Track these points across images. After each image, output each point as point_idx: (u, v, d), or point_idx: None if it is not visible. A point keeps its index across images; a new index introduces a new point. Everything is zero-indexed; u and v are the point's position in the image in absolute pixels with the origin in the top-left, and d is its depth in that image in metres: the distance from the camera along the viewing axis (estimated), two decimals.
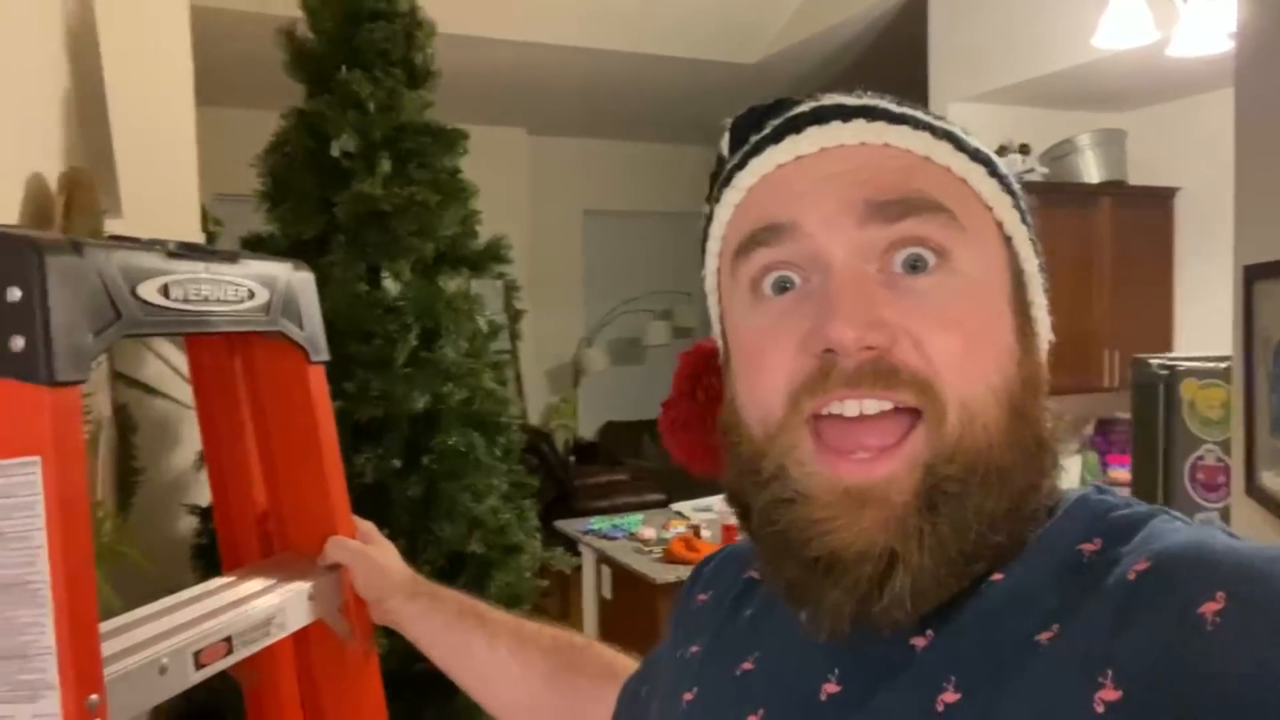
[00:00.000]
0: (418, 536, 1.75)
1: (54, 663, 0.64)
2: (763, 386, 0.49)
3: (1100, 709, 0.39)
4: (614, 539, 3.32)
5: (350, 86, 1.79)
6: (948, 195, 0.49)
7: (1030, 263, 0.53)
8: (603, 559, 3.29)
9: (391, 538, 1.79)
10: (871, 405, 0.46)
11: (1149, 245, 4.01)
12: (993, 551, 0.46)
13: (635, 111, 5.80)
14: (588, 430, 6.47)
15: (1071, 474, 3.90)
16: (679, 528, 3.33)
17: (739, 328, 0.52)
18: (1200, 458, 1.57)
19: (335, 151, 1.80)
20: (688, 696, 0.58)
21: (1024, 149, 3.87)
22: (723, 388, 0.58)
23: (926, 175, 0.49)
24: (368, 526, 0.99)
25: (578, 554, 3.40)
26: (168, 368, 2.07)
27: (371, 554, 0.94)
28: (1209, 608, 0.39)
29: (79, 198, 1.31)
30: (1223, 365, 1.49)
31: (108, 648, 0.72)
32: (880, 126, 0.50)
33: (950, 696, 0.44)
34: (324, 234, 1.78)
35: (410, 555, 1.79)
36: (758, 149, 0.52)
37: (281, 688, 0.98)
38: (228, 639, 0.79)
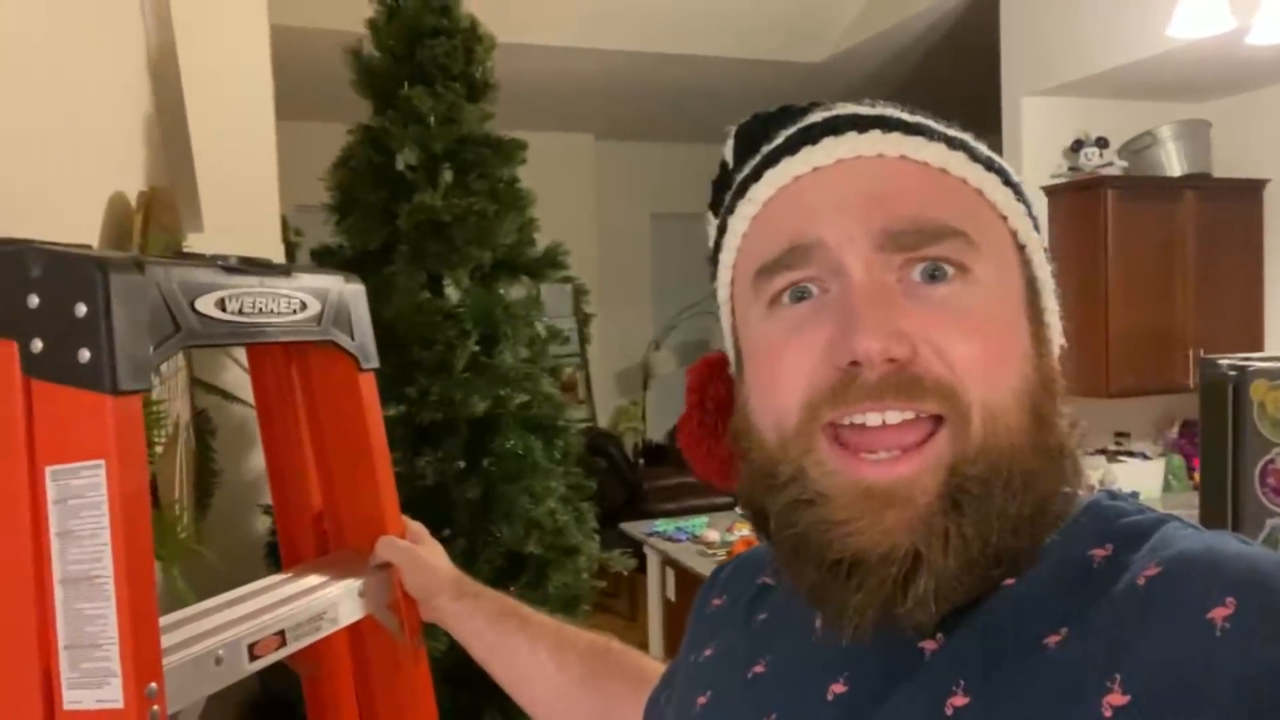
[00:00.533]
0: (477, 537, 1.80)
1: (117, 652, 0.69)
2: (780, 393, 0.49)
3: (1108, 713, 0.39)
4: (678, 541, 3.34)
5: (412, 102, 1.85)
6: (963, 212, 0.49)
7: (1043, 270, 0.53)
8: (667, 561, 3.31)
9: (452, 538, 1.86)
10: (894, 416, 0.46)
11: (1237, 240, 3.85)
12: (1012, 556, 0.46)
13: (701, 114, 5.81)
14: (656, 433, 6.50)
15: (1156, 478, 3.76)
16: (743, 530, 3.33)
17: (754, 335, 0.52)
18: (1271, 461, 1.51)
19: (400, 165, 1.87)
20: (701, 700, 0.59)
21: (1101, 142, 3.77)
22: (731, 397, 0.59)
23: (942, 192, 0.49)
24: (417, 527, 1.03)
25: (642, 556, 3.44)
26: (246, 374, 2.17)
27: (420, 554, 0.98)
28: (1219, 613, 0.39)
29: (157, 215, 1.39)
30: None
31: (167, 639, 0.77)
32: (896, 138, 0.50)
33: (959, 700, 0.44)
34: (387, 244, 1.84)
35: (470, 555, 1.85)
36: (772, 160, 0.52)
37: (338, 679, 1.03)
38: (280, 632, 0.84)
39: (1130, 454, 3.83)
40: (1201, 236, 3.78)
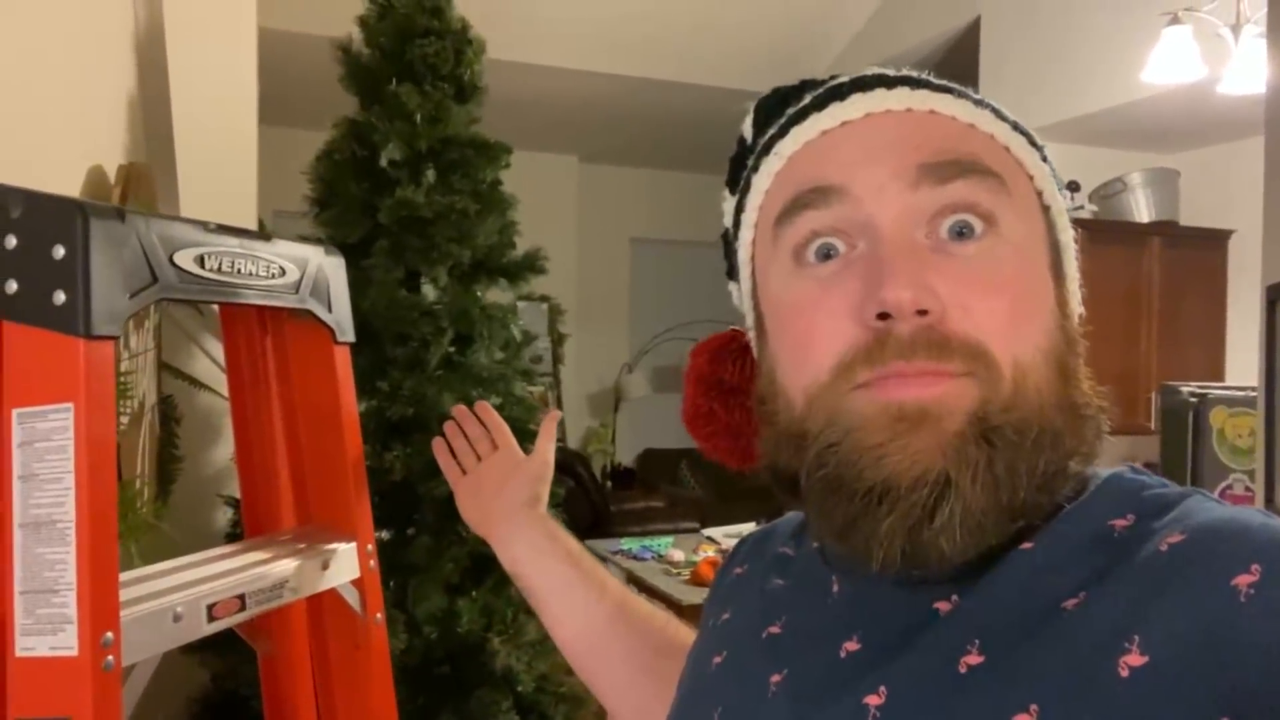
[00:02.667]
0: (443, 535, 1.78)
1: (74, 599, 0.68)
2: (811, 355, 0.48)
3: (1125, 673, 0.38)
4: (643, 560, 3.33)
5: (399, 99, 1.86)
6: (995, 161, 0.49)
7: (1065, 233, 0.53)
8: (631, 579, 3.29)
9: (417, 535, 1.84)
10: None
11: (1201, 287, 3.94)
12: (1034, 511, 0.46)
13: (687, 141, 5.87)
14: (626, 456, 6.49)
15: None
16: (708, 551, 3.32)
17: (781, 296, 0.51)
18: (1229, 486, 1.54)
19: (384, 161, 1.87)
20: (717, 659, 0.58)
21: (1073, 186, 3.85)
22: (740, 373, 0.59)
23: (974, 141, 0.49)
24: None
25: None
26: (215, 365, 2.15)
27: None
28: (1243, 579, 0.38)
29: (135, 189, 1.38)
30: (1253, 394, 1.47)
31: (127, 593, 0.76)
32: (925, 94, 0.50)
33: (973, 659, 0.43)
34: (367, 238, 1.84)
35: (435, 554, 1.83)
36: (799, 118, 0.52)
37: (295, 657, 1.02)
38: (241, 596, 0.83)
39: None
40: (1167, 282, 3.87)
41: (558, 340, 5.92)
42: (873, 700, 0.45)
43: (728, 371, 0.62)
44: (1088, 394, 0.49)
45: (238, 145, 2.65)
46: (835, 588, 0.53)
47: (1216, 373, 3.91)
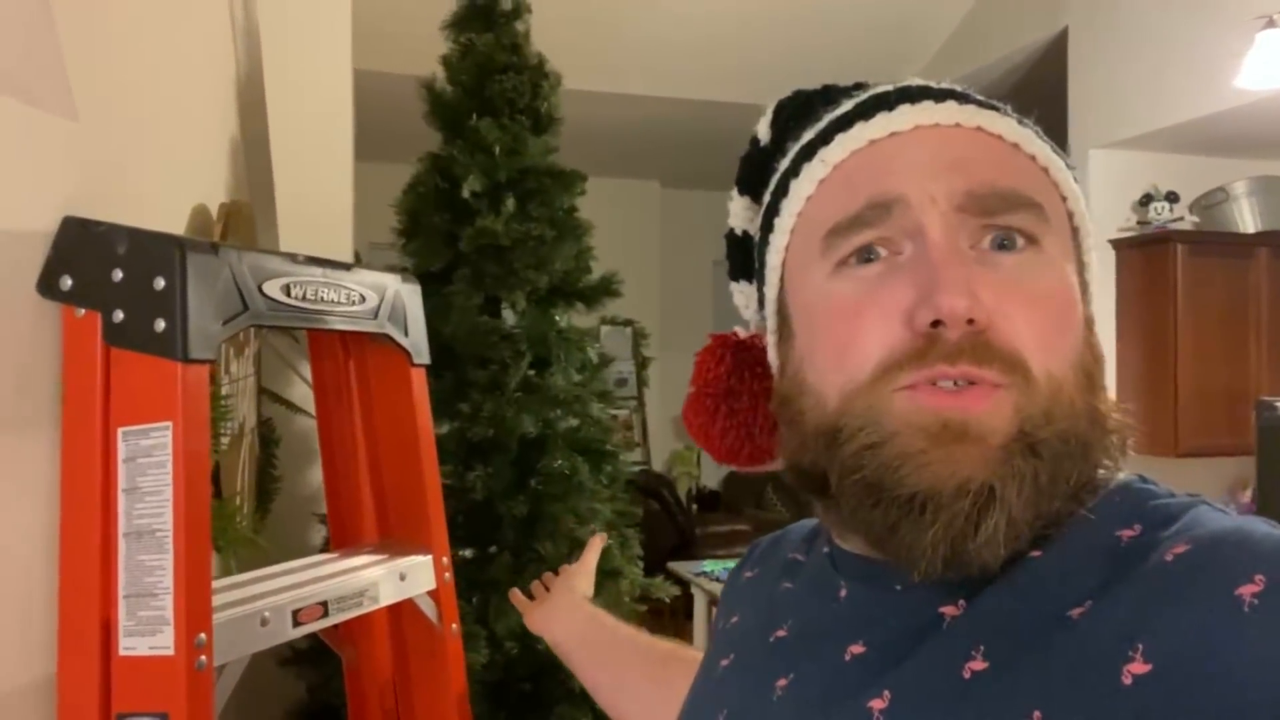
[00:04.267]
0: (522, 554, 1.83)
1: (171, 601, 0.74)
2: (854, 355, 0.48)
3: (1128, 680, 0.39)
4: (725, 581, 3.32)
5: (480, 132, 1.94)
6: (1036, 187, 0.50)
7: (1090, 255, 0.54)
8: (714, 602, 3.29)
9: (497, 553, 1.89)
10: (963, 384, 0.46)
11: None
12: (1060, 521, 0.46)
13: None
14: (711, 479, 6.47)
15: None
16: None
17: (818, 297, 0.51)
18: None
19: (465, 192, 1.95)
20: (724, 663, 0.60)
21: (1171, 197, 3.71)
22: (704, 377, 0.61)
23: (1017, 165, 0.50)
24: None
25: (689, 597, 3.42)
26: (310, 390, 2.25)
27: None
28: (1247, 590, 0.39)
29: (235, 226, 1.48)
30: None
31: (219, 598, 0.82)
32: (972, 110, 0.50)
33: (978, 665, 0.43)
34: (449, 266, 1.92)
35: (514, 571, 1.88)
36: (845, 125, 0.52)
37: (376, 663, 1.07)
38: (324, 603, 0.88)
39: None
40: (1276, 295, 3.68)
41: (642, 364, 5.97)
42: (876, 704, 0.46)
43: (701, 380, 0.63)
44: (1110, 406, 0.49)
45: (334, 182, 2.78)
46: (843, 592, 0.54)
47: None
